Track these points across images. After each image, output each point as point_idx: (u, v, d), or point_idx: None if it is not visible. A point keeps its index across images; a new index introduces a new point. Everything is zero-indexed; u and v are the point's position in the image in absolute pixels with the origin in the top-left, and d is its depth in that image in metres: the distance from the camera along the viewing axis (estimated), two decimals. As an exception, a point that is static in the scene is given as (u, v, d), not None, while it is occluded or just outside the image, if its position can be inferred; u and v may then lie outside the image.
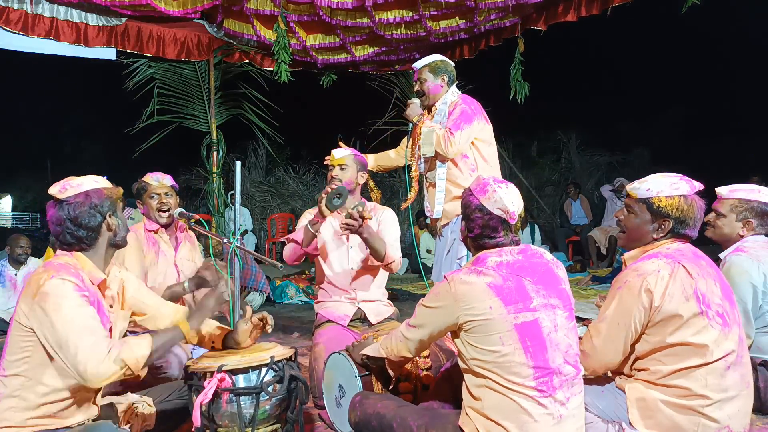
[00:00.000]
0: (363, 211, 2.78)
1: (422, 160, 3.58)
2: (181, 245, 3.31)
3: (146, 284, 3.10)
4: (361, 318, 3.14)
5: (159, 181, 3.20)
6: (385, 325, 3.09)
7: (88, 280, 1.90)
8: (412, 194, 3.62)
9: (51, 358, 1.81)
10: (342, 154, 3.19)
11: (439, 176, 3.51)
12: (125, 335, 2.12)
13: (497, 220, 1.89)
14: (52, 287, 1.79)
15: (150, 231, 3.22)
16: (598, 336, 2.07)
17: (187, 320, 2.00)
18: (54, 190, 1.94)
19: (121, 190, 2.08)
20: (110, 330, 1.99)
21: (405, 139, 3.76)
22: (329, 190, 2.87)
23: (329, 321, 3.13)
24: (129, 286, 2.14)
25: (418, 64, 3.62)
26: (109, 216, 1.97)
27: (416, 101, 3.59)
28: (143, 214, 3.27)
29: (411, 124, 3.57)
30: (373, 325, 3.12)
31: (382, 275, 3.27)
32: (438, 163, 3.51)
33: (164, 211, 3.17)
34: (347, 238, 3.14)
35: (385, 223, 3.21)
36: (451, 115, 3.44)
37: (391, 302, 3.31)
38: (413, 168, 3.62)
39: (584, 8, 5.73)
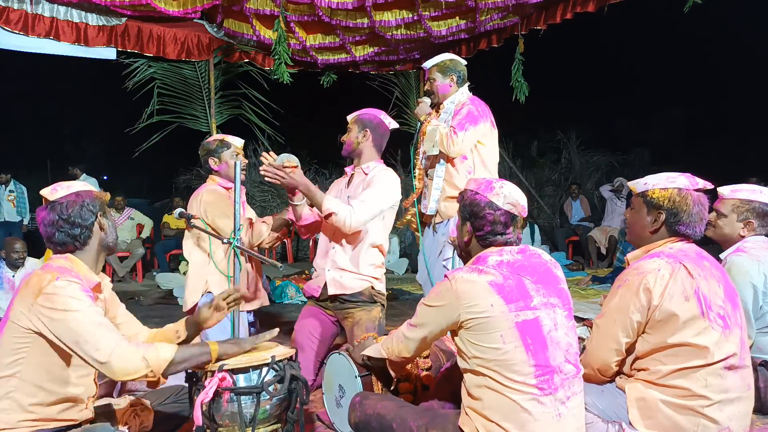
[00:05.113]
0: (285, 161, 2.82)
1: (425, 157, 3.62)
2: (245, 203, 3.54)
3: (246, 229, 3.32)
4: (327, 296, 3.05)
5: (241, 143, 3.42)
6: (352, 312, 3.01)
7: (84, 283, 1.90)
8: (418, 186, 3.64)
9: (47, 359, 1.82)
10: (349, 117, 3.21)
11: (437, 174, 3.54)
12: None
13: (507, 216, 1.91)
14: (59, 288, 1.79)
15: (227, 189, 3.39)
16: (596, 331, 2.10)
17: (219, 345, 1.96)
18: (45, 191, 1.97)
19: (107, 195, 2.10)
20: None
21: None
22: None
23: (311, 297, 3.19)
24: (113, 300, 2.17)
25: (427, 64, 3.64)
26: (100, 216, 2.00)
27: (426, 100, 3.62)
28: (217, 171, 3.41)
29: (419, 123, 3.59)
30: (336, 297, 3.01)
31: (365, 248, 3.05)
32: (440, 161, 3.54)
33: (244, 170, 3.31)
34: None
35: (372, 182, 3.03)
36: (457, 115, 3.46)
37: (373, 277, 3.06)
38: (417, 165, 3.66)
39: (580, 6, 5.74)
